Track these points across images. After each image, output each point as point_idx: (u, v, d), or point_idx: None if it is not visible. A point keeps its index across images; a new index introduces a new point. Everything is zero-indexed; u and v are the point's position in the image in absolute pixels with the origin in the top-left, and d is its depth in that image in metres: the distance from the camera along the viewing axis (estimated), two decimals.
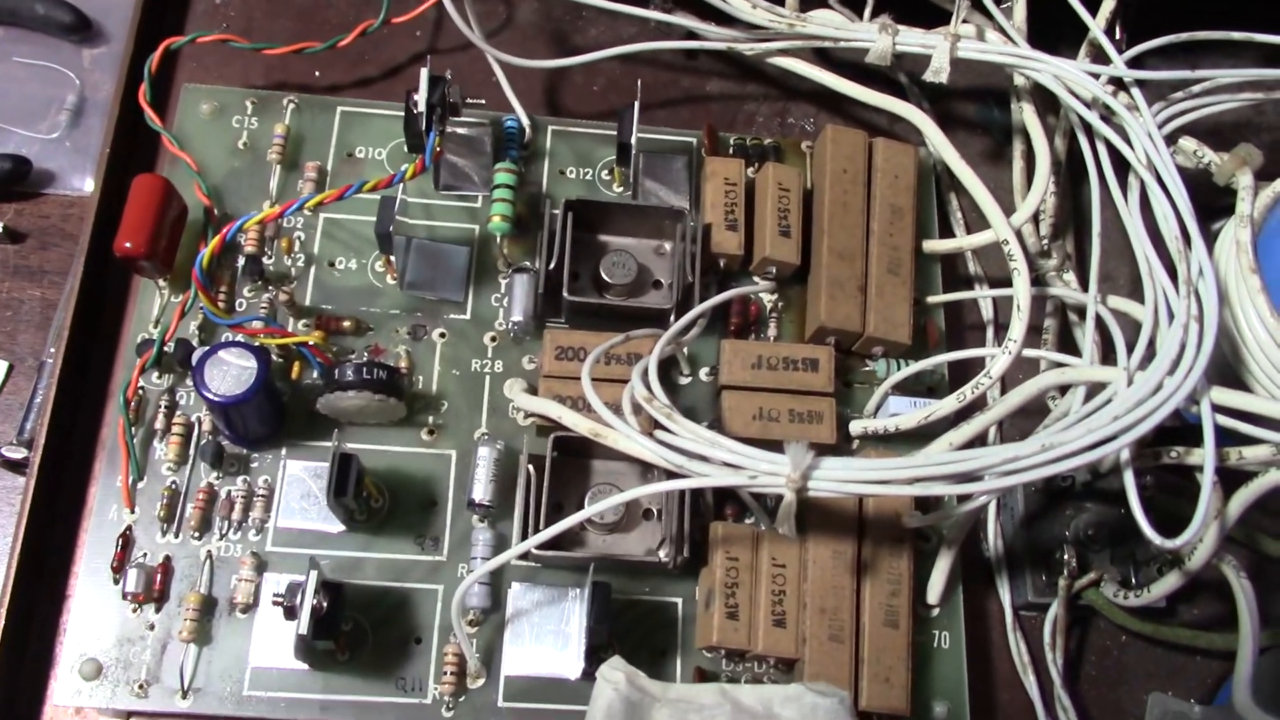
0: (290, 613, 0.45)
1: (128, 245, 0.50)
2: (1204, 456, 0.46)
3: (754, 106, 0.63)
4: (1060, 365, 0.51)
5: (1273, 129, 0.66)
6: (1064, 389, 0.54)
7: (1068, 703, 0.52)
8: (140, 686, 0.48)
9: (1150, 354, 0.49)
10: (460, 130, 0.56)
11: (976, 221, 0.60)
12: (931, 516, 0.51)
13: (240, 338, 0.50)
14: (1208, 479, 0.45)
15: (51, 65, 0.60)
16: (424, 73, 0.52)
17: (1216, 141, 0.56)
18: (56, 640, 0.49)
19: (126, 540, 0.50)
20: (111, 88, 0.59)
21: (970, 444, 0.50)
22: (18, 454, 0.52)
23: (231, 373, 0.48)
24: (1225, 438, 0.47)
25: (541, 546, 0.48)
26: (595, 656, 0.47)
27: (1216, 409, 0.47)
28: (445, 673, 0.49)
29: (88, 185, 0.58)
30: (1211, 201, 0.57)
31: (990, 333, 0.59)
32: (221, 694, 0.48)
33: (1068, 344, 0.59)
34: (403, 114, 0.53)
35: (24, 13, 0.60)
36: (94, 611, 0.49)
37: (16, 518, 0.50)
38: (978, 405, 0.52)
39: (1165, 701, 0.53)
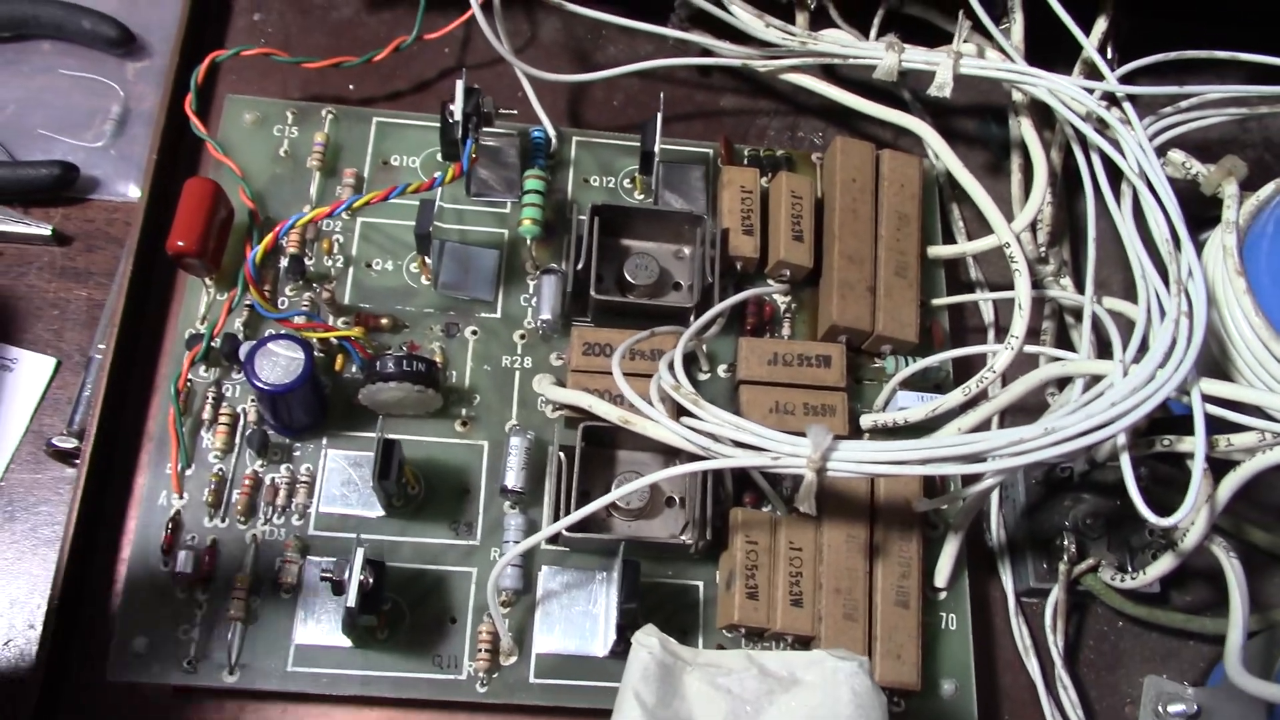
0: (338, 587, 0.47)
1: (180, 244, 0.53)
2: (1195, 443, 0.49)
3: (766, 120, 0.67)
4: (1059, 360, 0.53)
5: (1257, 143, 0.70)
6: (1063, 383, 0.57)
7: (1068, 683, 0.55)
8: (189, 663, 0.50)
9: (1144, 349, 0.52)
10: (489, 141, 0.59)
11: (977, 230, 0.63)
12: (939, 499, 0.54)
13: (286, 331, 0.53)
14: (1199, 462, 0.48)
15: (97, 78, 0.63)
16: (459, 84, 0.55)
17: (1204, 155, 0.59)
18: (109, 621, 0.51)
19: (175, 524, 0.52)
20: (154, 99, 0.62)
21: (977, 430, 0.53)
22: (68, 444, 0.54)
23: (280, 363, 0.50)
24: (1214, 427, 0.50)
25: (570, 529, 0.50)
26: (624, 634, 0.49)
27: (1206, 398, 0.50)
28: (479, 650, 0.51)
29: (132, 191, 0.60)
30: (1199, 213, 0.59)
31: (991, 334, 0.62)
32: (267, 670, 0.50)
33: (1065, 346, 0.62)
34: (436, 124, 0.56)
35: (71, 27, 0.62)
36: (144, 592, 0.51)
37: (68, 506, 0.52)
38: (981, 399, 0.55)
39: (1160, 683, 0.56)
